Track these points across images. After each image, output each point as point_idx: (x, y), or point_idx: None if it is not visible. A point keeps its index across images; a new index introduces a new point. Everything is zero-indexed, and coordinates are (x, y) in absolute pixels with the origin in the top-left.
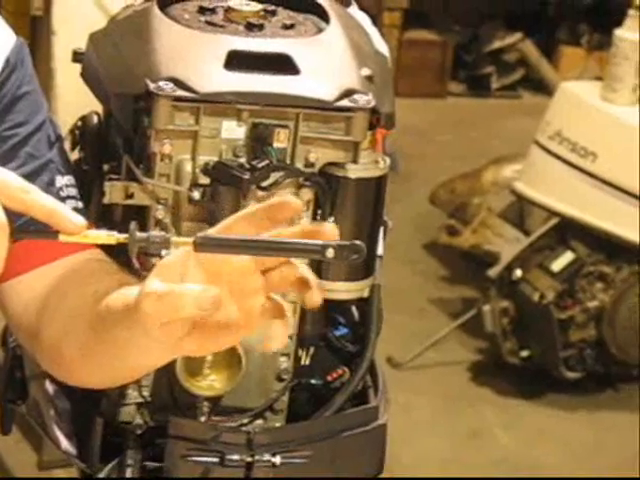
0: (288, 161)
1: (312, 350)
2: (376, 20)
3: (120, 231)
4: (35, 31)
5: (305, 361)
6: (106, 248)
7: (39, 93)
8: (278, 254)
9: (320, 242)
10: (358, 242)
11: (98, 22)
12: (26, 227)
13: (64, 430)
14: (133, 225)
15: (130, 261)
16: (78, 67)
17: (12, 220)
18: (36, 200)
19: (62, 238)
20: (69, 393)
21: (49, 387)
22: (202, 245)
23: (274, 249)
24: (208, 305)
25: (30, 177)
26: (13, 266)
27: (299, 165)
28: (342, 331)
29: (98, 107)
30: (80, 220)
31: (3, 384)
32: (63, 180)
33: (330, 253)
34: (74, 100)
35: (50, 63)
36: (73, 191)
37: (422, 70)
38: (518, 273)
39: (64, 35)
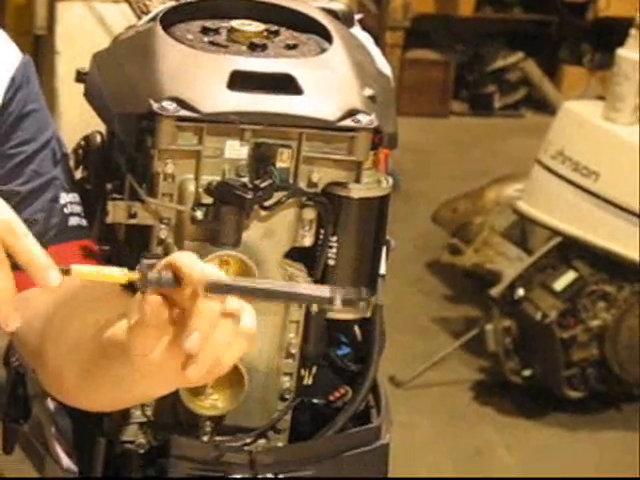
0: (291, 181)
1: (314, 370)
2: (378, 40)
3: (124, 252)
4: (38, 50)
5: (307, 381)
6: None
7: (45, 111)
8: (286, 300)
9: (327, 289)
10: (364, 290)
11: (101, 41)
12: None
13: (65, 448)
14: (144, 263)
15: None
16: (81, 86)
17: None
18: (24, 245)
19: (75, 271)
20: (70, 411)
21: (50, 405)
22: (211, 289)
23: (283, 295)
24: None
25: (34, 194)
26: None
27: (302, 185)
28: (344, 351)
29: (101, 126)
30: (54, 280)
31: (6, 403)
32: (67, 197)
33: (337, 300)
34: (76, 119)
35: (53, 82)
36: (77, 208)
37: (424, 89)
38: (520, 292)
39: (67, 54)
